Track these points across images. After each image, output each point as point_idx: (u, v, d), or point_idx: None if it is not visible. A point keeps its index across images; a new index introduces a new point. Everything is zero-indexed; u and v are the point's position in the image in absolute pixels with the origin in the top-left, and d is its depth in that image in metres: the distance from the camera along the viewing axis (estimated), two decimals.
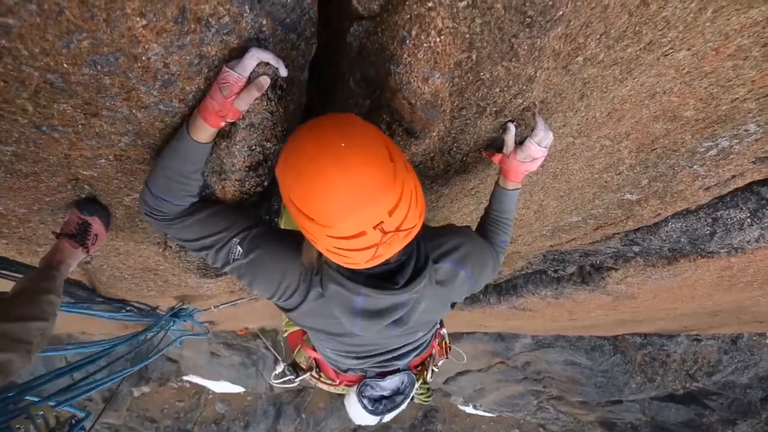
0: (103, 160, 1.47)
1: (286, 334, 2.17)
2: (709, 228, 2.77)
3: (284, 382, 2.07)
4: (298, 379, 2.02)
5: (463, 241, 1.51)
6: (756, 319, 5.92)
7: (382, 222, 1.05)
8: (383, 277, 1.30)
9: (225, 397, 13.71)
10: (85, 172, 1.54)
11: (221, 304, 3.73)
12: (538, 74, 1.45)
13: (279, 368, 2.09)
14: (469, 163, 1.86)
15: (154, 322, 3.42)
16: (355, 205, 1.02)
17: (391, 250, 1.14)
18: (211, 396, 13.75)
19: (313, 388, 13.61)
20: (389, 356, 1.71)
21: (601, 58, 1.51)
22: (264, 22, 1.27)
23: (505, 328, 8.30)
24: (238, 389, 13.19)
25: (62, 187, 1.62)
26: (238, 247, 1.35)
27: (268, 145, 1.42)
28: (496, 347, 10.60)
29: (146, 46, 1.12)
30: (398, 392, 1.86)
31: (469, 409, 14.68)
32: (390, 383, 1.83)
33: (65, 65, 1.11)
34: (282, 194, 1.12)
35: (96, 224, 1.76)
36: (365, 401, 1.83)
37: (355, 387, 1.84)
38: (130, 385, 12.31)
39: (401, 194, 1.06)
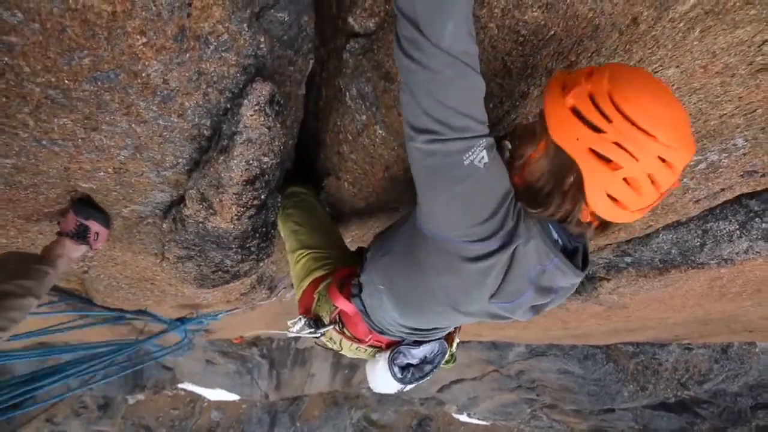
0: (102, 173, 1.48)
1: (307, 283, 1.91)
2: (699, 240, 2.80)
3: (306, 332, 1.86)
4: (321, 331, 1.79)
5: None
6: (746, 329, 5.96)
7: (682, 169, 1.05)
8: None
9: (220, 405, 13.62)
10: (84, 185, 1.55)
11: (218, 314, 3.73)
12: (531, 90, 1.48)
13: (299, 323, 1.85)
14: None
15: (164, 329, 3.42)
16: (691, 138, 1.03)
17: (651, 207, 1.12)
18: (206, 404, 13.65)
19: (309, 396, 13.55)
20: (444, 331, 1.66)
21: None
22: (262, 39, 1.30)
23: (499, 336, 8.32)
24: (233, 397, 13.10)
25: (61, 198, 1.63)
26: (484, 153, 1.07)
27: (265, 159, 1.44)
28: (490, 355, 10.61)
29: (146, 63, 1.14)
30: (427, 361, 1.77)
31: (463, 418, 14.64)
32: (421, 351, 1.73)
33: (66, 81, 1.12)
34: (601, 102, 1.01)
35: (95, 226, 1.75)
36: (395, 369, 1.71)
37: (387, 353, 1.70)
38: (125, 392, 12.20)
39: None
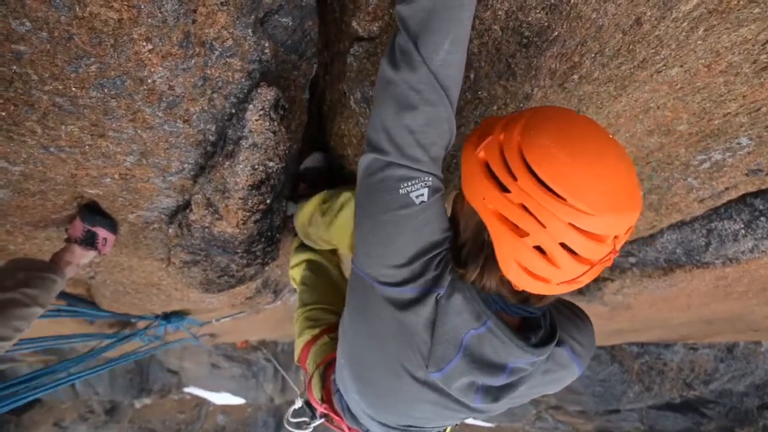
0: (108, 179, 1.49)
1: (299, 347, 1.81)
2: (704, 239, 2.80)
3: (298, 425, 1.76)
4: (313, 424, 1.69)
5: (591, 334, 1.24)
6: (751, 328, 5.94)
7: (617, 236, 0.87)
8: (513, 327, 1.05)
9: (225, 409, 13.63)
10: (90, 191, 1.56)
11: (222, 318, 3.74)
12: (534, 92, 1.48)
13: (297, 403, 1.75)
14: None
15: (146, 325, 3.44)
16: (626, 199, 0.85)
17: (583, 281, 0.93)
18: (211, 408, 13.67)
19: None
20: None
21: (596, 76, 1.54)
22: (266, 44, 1.31)
23: None
24: (238, 401, 13.12)
25: (68, 204, 1.64)
26: (425, 191, 0.98)
27: (271, 164, 1.45)
28: None
29: (152, 70, 1.15)
30: None
31: (469, 420, 14.62)
32: None
33: (73, 89, 1.13)
34: (508, 156, 0.88)
35: (102, 232, 1.76)
36: None
37: None
38: (132, 396, 12.23)
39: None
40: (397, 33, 0.99)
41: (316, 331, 1.74)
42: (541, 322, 1.09)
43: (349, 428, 1.51)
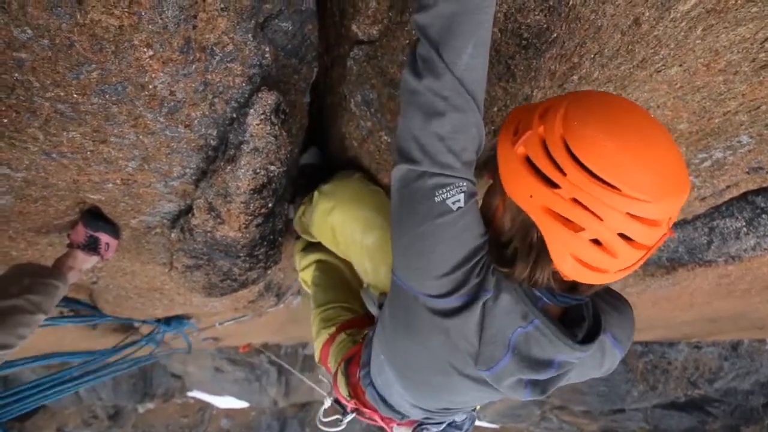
0: (110, 185, 1.49)
1: (319, 347, 1.82)
2: (706, 237, 2.80)
3: (332, 424, 1.74)
4: (346, 420, 1.69)
5: (631, 318, 1.25)
6: (755, 326, 5.93)
7: (671, 218, 0.86)
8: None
9: (229, 413, 13.61)
10: (92, 196, 1.57)
11: (225, 321, 3.74)
12: (534, 93, 1.48)
13: (327, 402, 1.76)
14: None
15: (144, 336, 3.44)
16: (677, 181, 0.83)
17: (638, 266, 0.92)
18: (215, 412, 13.65)
19: (318, 401, 13.54)
20: (461, 411, 1.46)
21: (596, 76, 1.55)
22: (267, 49, 1.31)
23: None
24: (242, 404, 13.10)
25: (70, 210, 1.65)
26: (461, 197, 0.95)
27: (272, 168, 1.45)
28: None
29: (153, 75, 1.16)
30: (455, 426, 1.55)
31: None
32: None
33: (75, 95, 1.14)
34: (553, 150, 0.85)
35: (104, 237, 1.77)
36: None
37: (409, 430, 1.53)
38: (135, 401, 12.23)
39: None
40: (417, 44, 0.97)
41: (333, 329, 1.75)
42: (584, 310, 1.09)
43: (382, 417, 1.53)
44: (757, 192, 2.49)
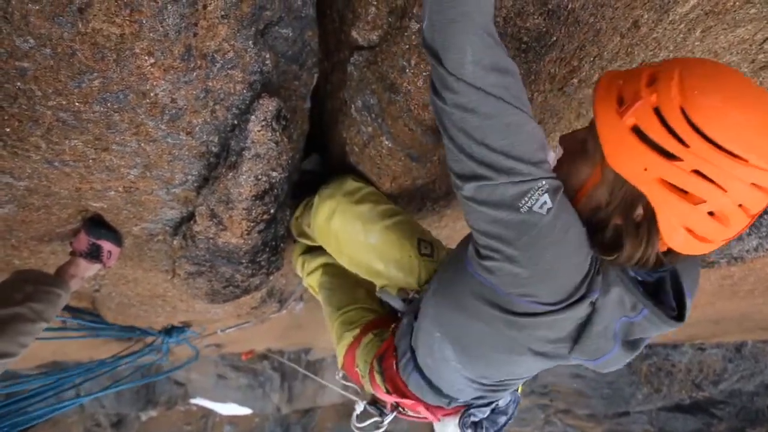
0: (112, 192, 1.50)
1: (342, 352, 1.76)
2: None
3: (371, 427, 1.67)
4: (387, 420, 1.62)
5: (697, 263, 1.19)
6: (759, 326, 5.92)
7: None
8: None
9: (232, 420, 13.58)
10: (95, 204, 1.57)
11: (227, 328, 3.73)
12: (534, 96, 1.49)
13: (359, 408, 1.70)
14: None
15: (147, 345, 3.43)
16: None
17: (739, 234, 0.90)
18: (218, 419, 13.61)
19: (321, 407, 13.53)
20: (519, 382, 1.44)
21: (596, 79, 1.55)
22: (267, 55, 1.32)
23: None
24: (245, 411, 13.07)
25: (72, 218, 1.65)
26: (546, 197, 0.90)
27: (274, 174, 1.46)
28: None
29: (154, 83, 1.16)
30: (499, 411, 1.55)
31: None
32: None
33: (77, 104, 1.14)
34: (672, 121, 0.82)
35: (107, 245, 1.77)
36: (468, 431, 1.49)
37: (458, 417, 1.49)
38: (138, 409, 12.20)
39: None
40: (431, 67, 0.95)
41: (357, 331, 1.71)
42: (665, 281, 1.07)
43: (428, 407, 1.47)
44: None
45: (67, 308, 2.75)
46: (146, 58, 1.10)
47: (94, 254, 1.74)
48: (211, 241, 1.65)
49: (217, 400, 12.76)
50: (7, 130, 1.16)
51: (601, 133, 0.91)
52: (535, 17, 1.23)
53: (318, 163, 2.12)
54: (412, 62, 1.31)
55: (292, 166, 1.64)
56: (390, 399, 1.53)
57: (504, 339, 1.10)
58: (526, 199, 0.89)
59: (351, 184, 1.75)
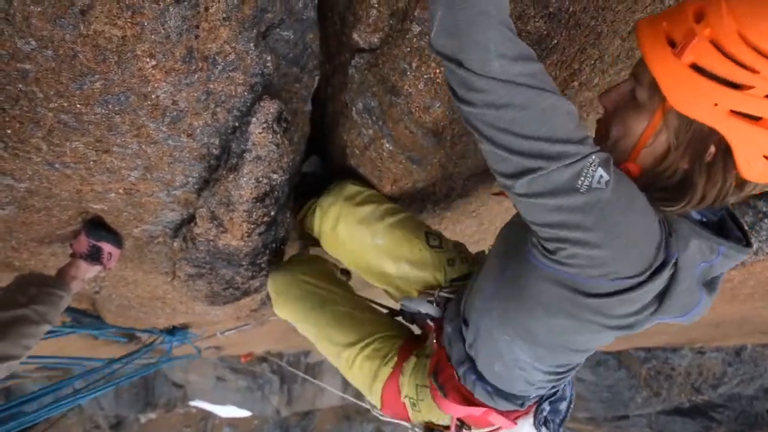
0: (113, 194, 1.50)
1: (379, 392, 1.58)
2: None
3: None
4: None
5: None
6: (759, 330, 5.92)
7: None
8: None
9: (232, 422, 13.57)
10: (95, 206, 1.57)
11: (227, 330, 3.73)
12: None
13: None
14: (470, 186, 1.89)
15: (147, 343, 3.43)
16: None
17: None
18: (217, 421, 13.60)
19: (320, 410, 13.52)
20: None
21: (596, 82, 1.55)
22: (268, 57, 1.32)
23: None
24: (244, 413, 13.07)
25: (73, 220, 1.65)
26: (600, 170, 0.87)
27: (275, 176, 1.46)
28: None
29: (156, 85, 1.16)
30: (559, 398, 1.48)
31: None
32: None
33: (78, 106, 1.14)
34: (733, 51, 0.81)
35: (107, 247, 1.77)
36: (543, 429, 1.44)
37: (530, 417, 1.43)
38: (137, 411, 12.19)
39: None
40: (447, 75, 0.93)
41: (394, 360, 1.54)
42: (724, 215, 1.06)
43: (500, 413, 1.38)
44: (759, 196, 2.49)
45: (68, 310, 2.74)
46: (148, 60, 1.10)
47: (95, 256, 1.74)
48: (211, 243, 1.65)
49: (217, 403, 12.76)
50: (8, 131, 1.16)
51: (660, 79, 0.88)
52: (536, 20, 1.24)
53: (318, 165, 2.12)
54: (414, 65, 1.31)
55: (293, 169, 1.64)
56: (463, 412, 1.40)
57: (589, 325, 1.06)
58: (583, 178, 0.86)
59: (351, 188, 1.73)
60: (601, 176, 0.86)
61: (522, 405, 1.37)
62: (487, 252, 1.43)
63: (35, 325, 1.47)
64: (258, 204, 1.48)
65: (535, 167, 0.87)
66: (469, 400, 1.38)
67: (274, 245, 1.77)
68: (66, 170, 1.34)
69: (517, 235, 1.12)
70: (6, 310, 1.45)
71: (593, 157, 0.87)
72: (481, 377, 1.33)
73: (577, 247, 0.92)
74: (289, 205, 1.81)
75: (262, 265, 1.82)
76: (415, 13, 1.23)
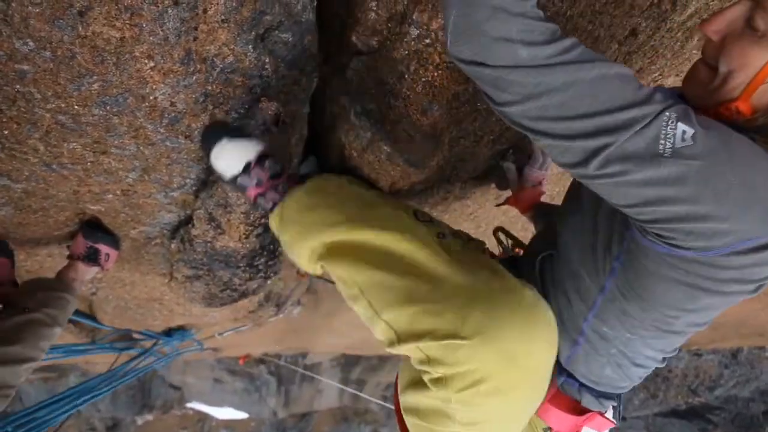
0: (110, 195, 1.50)
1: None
2: None
3: None
4: None
5: None
6: (756, 332, 5.94)
7: None
8: None
9: (229, 424, 13.53)
10: (92, 207, 1.57)
11: (225, 332, 3.73)
12: None
13: None
14: (467, 189, 1.89)
15: (145, 348, 3.41)
16: None
17: None
18: (214, 423, 13.57)
19: (318, 412, 13.50)
20: None
21: None
22: (267, 60, 1.32)
23: None
24: (242, 415, 13.03)
25: (70, 221, 1.65)
26: (681, 125, 0.76)
27: None
28: None
29: (154, 87, 1.16)
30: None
31: None
32: None
33: (76, 107, 1.14)
34: None
35: (104, 248, 1.77)
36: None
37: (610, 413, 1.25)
38: (134, 413, 12.15)
39: None
40: (477, 83, 0.85)
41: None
42: None
43: (604, 416, 1.19)
44: None
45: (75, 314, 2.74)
46: (146, 61, 1.10)
47: (92, 257, 1.74)
48: (209, 244, 1.65)
49: (214, 404, 12.72)
50: (6, 132, 1.16)
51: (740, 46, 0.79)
52: None
53: (316, 166, 2.11)
54: (411, 68, 1.31)
55: (292, 170, 1.64)
56: (572, 422, 1.20)
57: (733, 297, 0.93)
58: (663, 141, 0.76)
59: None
60: (684, 131, 0.75)
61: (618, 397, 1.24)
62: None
63: (49, 327, 1.51)
64: (256, 206, 1.48)
65: (603, 145, 0.78)
66: (577, 410, 1.20)
67: (271, 247, 1.77)
68: (63, 171, 1.34)
69: (607, 224, 1.00)
70: (19, 315, 1.48)
71: (667, 113, 0.76)
72: (583, 384, 1.18)
73: (690, 223, 0.79)
74: None
75: (260, 267, 1.82)
76: (413, 17, 1.23)
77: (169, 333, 3.52)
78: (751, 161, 0.77)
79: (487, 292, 1.06)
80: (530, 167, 1.65)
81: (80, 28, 0.98)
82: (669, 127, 0.75)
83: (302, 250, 1.34)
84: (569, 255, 1.11)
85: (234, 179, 1.36)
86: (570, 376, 1.19)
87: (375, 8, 1.33)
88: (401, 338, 1.08)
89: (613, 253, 0.99)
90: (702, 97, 0.87)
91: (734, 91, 0.83)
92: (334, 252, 1.28)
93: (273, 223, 1.42)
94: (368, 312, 1.16)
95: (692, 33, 1.42)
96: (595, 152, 0.78)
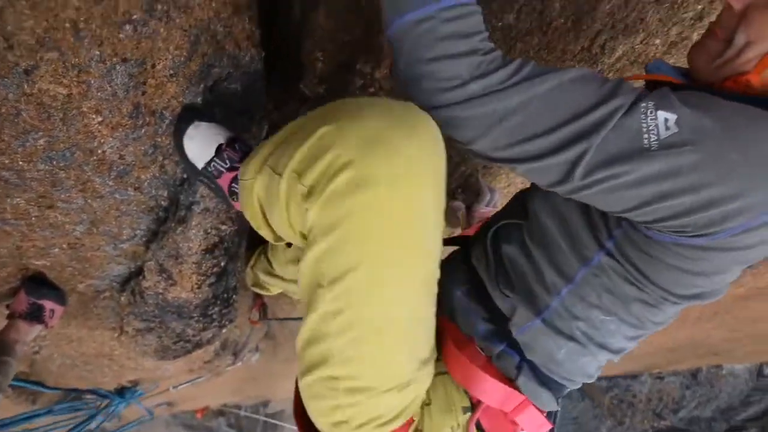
0: (56, 249, 1.46)
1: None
2: None
3: None
4: None
5: None
6: (711, 352, 6.14)
7: None
8: None
9: None
10: (37, 262, 1.52)
11: (180, 385, 3.59)
12: None
13: None
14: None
15: (98, 408, 3.23)
16: None
17: None
18: None
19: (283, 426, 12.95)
20: None
21: None
22: (216, 110, 1.34)
23: None
24: None
25: (11, 278, 1.59)
26: (662, 113, 0.71)
27: (223, 227, 1.45)
28: None
29: (102, 141, 1.16)
30: None
31: None
32: None
33: (20, 163, 1.13)
34: None
35: (49, 304, 1.70)
36: None
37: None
38: None
39: None
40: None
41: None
42: None
43: (539, 410, 1.06)
44: None
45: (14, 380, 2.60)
46: (94, 116, 1.10)
47: (35, 315, 1.67)
48: (160, 296, 1.62)
49: None
50: None
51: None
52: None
53: None
54: None
55: (243, 219, 1.64)
56: (501, 394, 1.05)
57: (732, 274, 0.89)
58: (646, 134, 0.71)
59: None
60: (666, 119, 0.71)
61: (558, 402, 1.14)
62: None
63: None
64: (207, 255, 1.47)
65: (580, 153, 0.74)
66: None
67: (225, 295, 1.75)
68: (5, 227, 1.31)
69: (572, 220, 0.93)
70: None
71: (644, 104, 0.73)
72: (524, 360, 1.05)
73: (697, 213, 0.74)
74: (241, 254, 1.81)
75: (214, 316, 1.79)
76: (357, 67, 1.29)
77: (120, 391, 3.36)
78: (753, 130, 0.71)
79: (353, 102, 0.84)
80: (478, 204, 1.71)
81: (26, 86, 0.98)
82: (649, 118, 0.72)
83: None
84: (544, 224, 0.99)
85: (206, 167, 1.25)
86: (513, 347, 1.05)
87: (321, 59, 1.38)
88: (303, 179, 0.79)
89: (608, 230, 0.90)
90: (709, 71, 0.83)
91: (748, 63, 0.78)
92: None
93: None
94: (273, 183, 0.92)
95: (622, 73, 1.53)
96: (575, 163, 0.75)
